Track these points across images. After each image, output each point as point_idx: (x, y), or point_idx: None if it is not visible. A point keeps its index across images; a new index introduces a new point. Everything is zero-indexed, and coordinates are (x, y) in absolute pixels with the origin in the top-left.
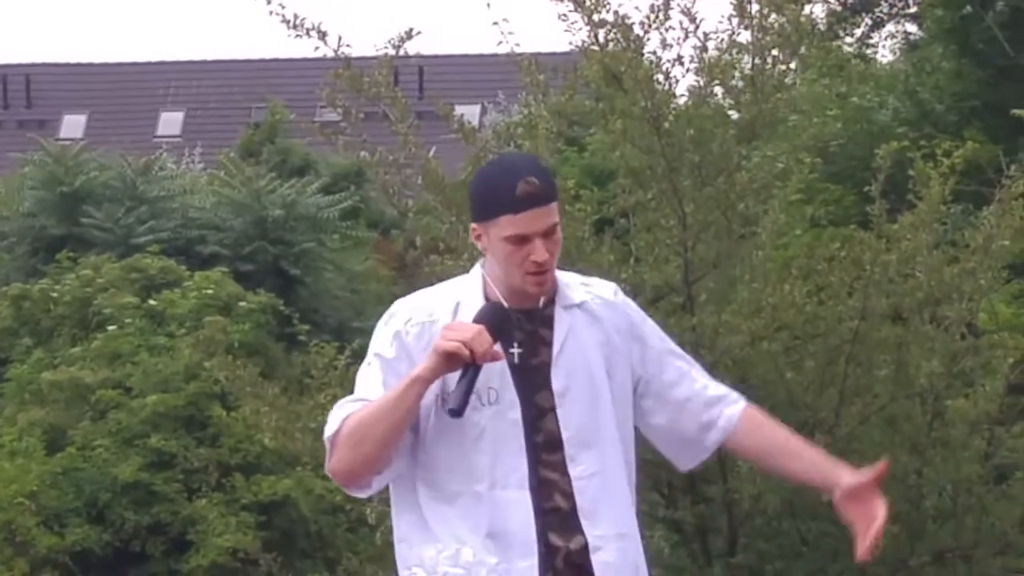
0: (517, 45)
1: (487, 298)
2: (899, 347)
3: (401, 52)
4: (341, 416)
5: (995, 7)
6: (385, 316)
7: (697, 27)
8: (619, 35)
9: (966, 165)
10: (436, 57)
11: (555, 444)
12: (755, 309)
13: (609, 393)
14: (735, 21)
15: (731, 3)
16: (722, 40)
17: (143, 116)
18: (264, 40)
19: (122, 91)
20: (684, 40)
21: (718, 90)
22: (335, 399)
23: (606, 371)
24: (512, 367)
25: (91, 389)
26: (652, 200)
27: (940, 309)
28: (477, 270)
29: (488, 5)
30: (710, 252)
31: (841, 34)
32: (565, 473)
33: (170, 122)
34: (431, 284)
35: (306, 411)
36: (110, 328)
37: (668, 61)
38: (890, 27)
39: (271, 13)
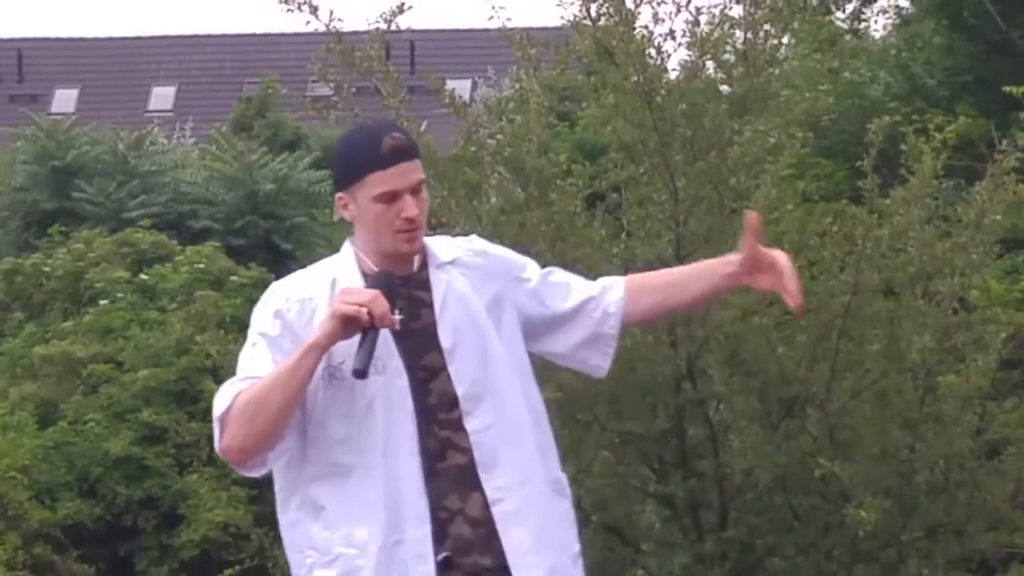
0: (508, 20)
1: (362, 272)
2: (891, 322)
3: (392, 27)
4: (231, 394)
5: None
6: (263, 297)
7: (689, 1)
8: (611, 9)
9: (958, 140)
10: (427, 31)
11: (451, 402)
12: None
13: (499, 342)
14: None
15: None
16: (714, 15)
17: (135, 91)
18: (256, 15)
19: (114, 66)
20: (676, 14)
21: (710, 64)
22: None
23: (492, 320)
24: (396, 334)
25: (83, 363)
26: (644, 175)
27: (932, 284)
28: (347, 247)
29: None
30: (702, 227)
31: (833, 9)
32: (461, 429)
33: (162, 97)
34: None
35: None
36: (102, 302)
37: (660, 35)
38: (882, 2)
39: None
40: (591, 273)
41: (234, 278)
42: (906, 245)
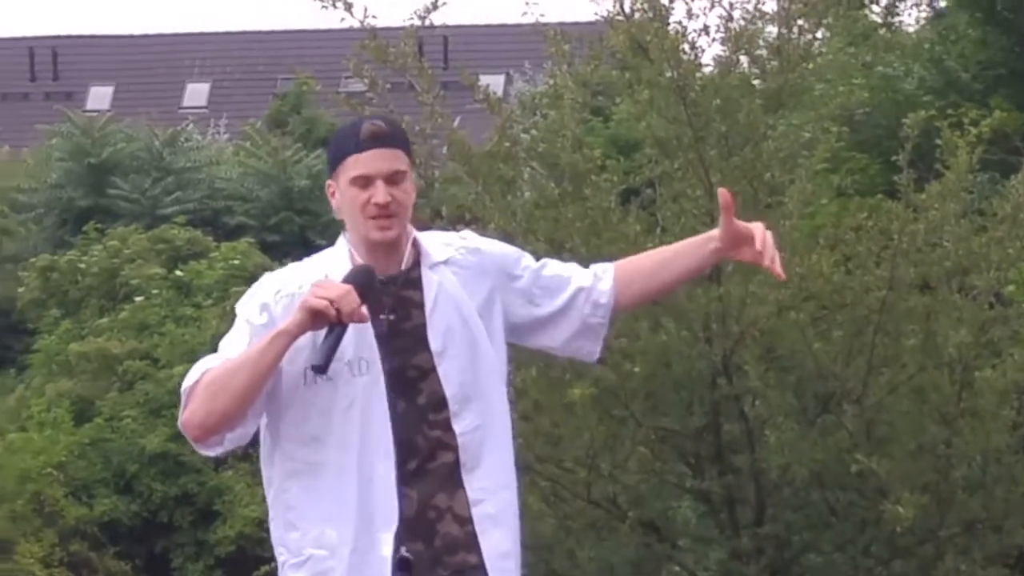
0: (542, 15)
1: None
2: (927, 317)
3: (426, 23)
4: (200, 370)
5: None
6: (252, 287)
7: None
8: (645, 5)
9: (993, 134)
10: (460, 27)
11: (440, 403)
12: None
13: (488, 343)
14: None
15: None
16: (748, 10)
17: (169, 87)
18: (290, 11)
19: (148, 62)
20: (710, 9)
21: (744, 60)
22: None
23: (482, 320)
24: (385, 334)
25: (118, 360)
26: (678, 170)
27: (968, 279)
28: (340, 240)
29: None
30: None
31: (867, 3)
32: (450, 429)
33: (196, 93)
34: None
35: None
36: (137, 299)
37: (694, 31)
38: None
39: None
40: None
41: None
42: (942, 240)
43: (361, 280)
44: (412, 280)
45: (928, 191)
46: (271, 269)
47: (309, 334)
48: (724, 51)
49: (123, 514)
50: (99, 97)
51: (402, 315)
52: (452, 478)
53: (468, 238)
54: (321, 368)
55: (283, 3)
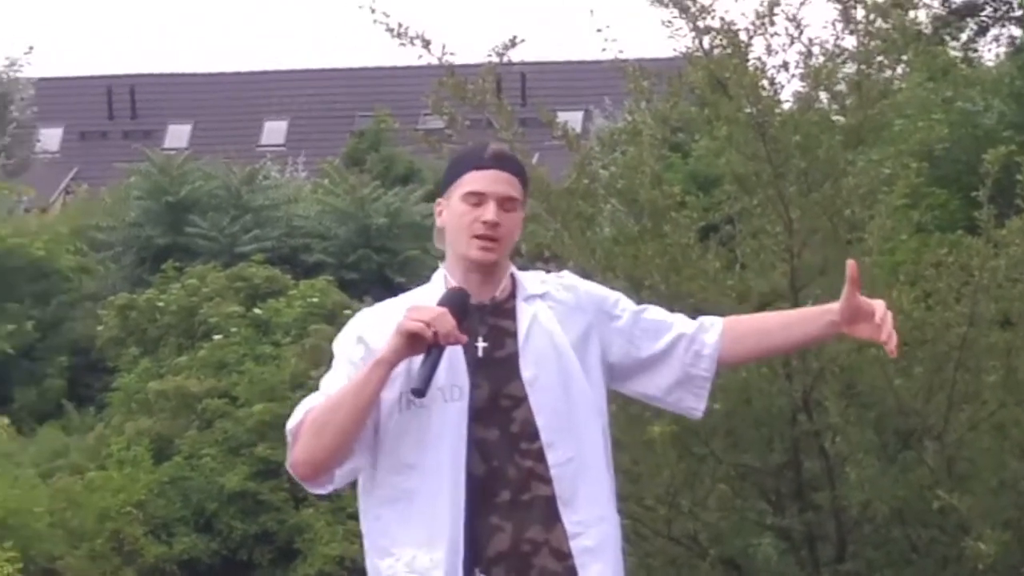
0: (620, 51)
1: None
2: (1008, 353)
3: (504, 59)
4: (304, 410)
5: None
6: (349, 323)
7: (802, 32)
8: (724, 41)
9: None
10: (539, 64)
11: (532, 433)
12: None
13: (582, 376)
14: (840, 26)
15: (836, 9)
16: (827, 46)
17: (247, 125)
18: (368, 48)
19: (226, 100)
20: (789, 46)
21: (823, 96)
22: None
23: (576, 355)
24: (478, 361)
25: (197, 398)
26: (758, 206)
27: None
28: (437, 274)
29: (591, 12)
30: (817, 258)
31: (946, 38)
32: (543, 460)
33: (274, 131)
34: None
35: None
36: (216, 337)
37: (773, 67)
38: (994, 31)
39: (375, 22)
40: (705, 306)
41: (348, 312)
42: (1023, 276)
43: (456, 302)
44: (506, 310)
45: (1009, 227)
46: (349, 307)
47: (404, 361)
48: (803, 87)
49: (203, 552)
50: (177, 135)
51: (495, 343)
52: (548, 511)
53: (565, 276)
54: (420, 391)
55: (361, 40)
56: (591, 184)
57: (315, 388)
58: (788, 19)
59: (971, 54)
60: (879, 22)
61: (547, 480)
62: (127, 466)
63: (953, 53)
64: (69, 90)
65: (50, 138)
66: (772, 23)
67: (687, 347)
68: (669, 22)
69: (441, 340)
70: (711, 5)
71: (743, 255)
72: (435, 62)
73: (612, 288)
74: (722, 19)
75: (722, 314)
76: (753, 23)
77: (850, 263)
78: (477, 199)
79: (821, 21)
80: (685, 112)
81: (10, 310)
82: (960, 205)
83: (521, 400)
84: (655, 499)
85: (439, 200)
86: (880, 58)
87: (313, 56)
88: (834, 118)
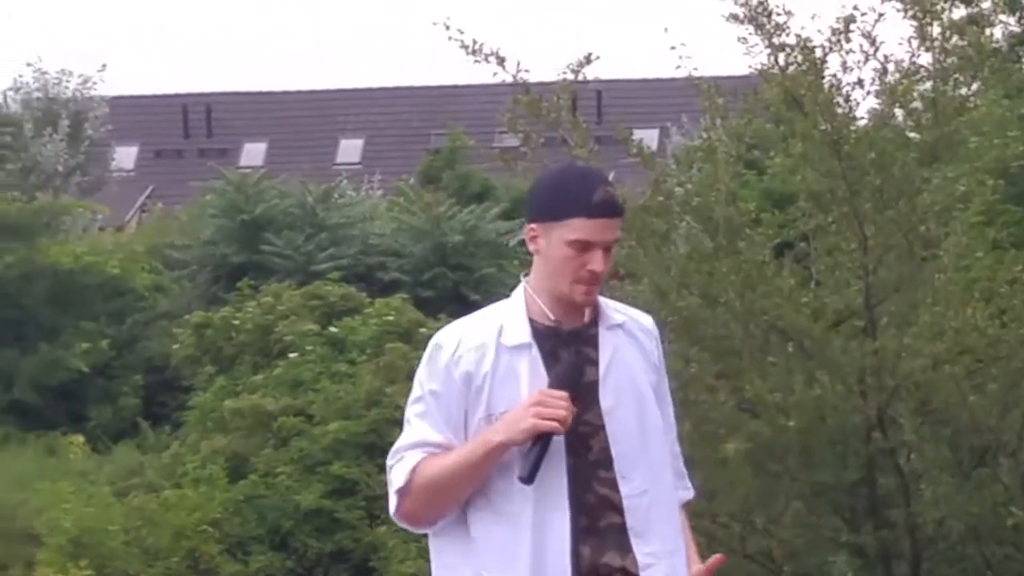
0: (695, 69)
1: (530, 318)
2: None
3: (579, 77)
4: (408, 468)
5: None
6: (430, 349)
7: (877, 50)
8: (800, 58)
9: None
10: (614, 81)
11: (608, 462)
12: (937, 332)
13: (657, 412)
14: (916, 44)
15: (912, 26)
16: (903, 63)
17: (323, 143)
18: (442, 67)
19: (302, 119)
20: (864, 63)
21: (899, 113)
22: None
23: (651, 388)
24: (560, 387)
25: (273, 416)
26: (833, 223)
27: None
28: (519, 291)
29: (666, 29)
30: (891, 275)
31: (1022, 56)
32: (617, 490)
33: (349, 149)
34: None
35: None
36: (291, 355)
37: (848, 84)
38: None
39: (450, 39)
40: (781, 323)
41: (423, 330)
42: None
43: (572, 384)
44: (589, 337)
45: None
46: (425, 325)
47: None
48: (879, 104)
49: (278, 570)
50: (253, 153)
51: (578, 371)
52: (622, 540)
53: (639, 315)
54: (527, 480)
55: (436, 59)
56: (666, 201)
57: (390, 405)
58: (863, 36)
59: None
60: (955, 39)
61: (620, 510)
62: (203, 484)
63: None
64: (145, 108)
65: (126, 156)
66: (848, 40)
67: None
68: (744, 39)
69: (563, 431)
70: (787, 22)
71: (818, 272)
72: (510, 80)
73: (686, 306)
74: (798, 36)
75: (797, 331)
76: (829, 40)
77: (718, 559)
78: (584, 247)
79: (896, 38)
80: (760, 129)
81: (85, 328)
82: None
83: (599, 428)
84: (729, 516)
85: (533, 226)
86: (956, 75)
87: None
88: (909, 135)
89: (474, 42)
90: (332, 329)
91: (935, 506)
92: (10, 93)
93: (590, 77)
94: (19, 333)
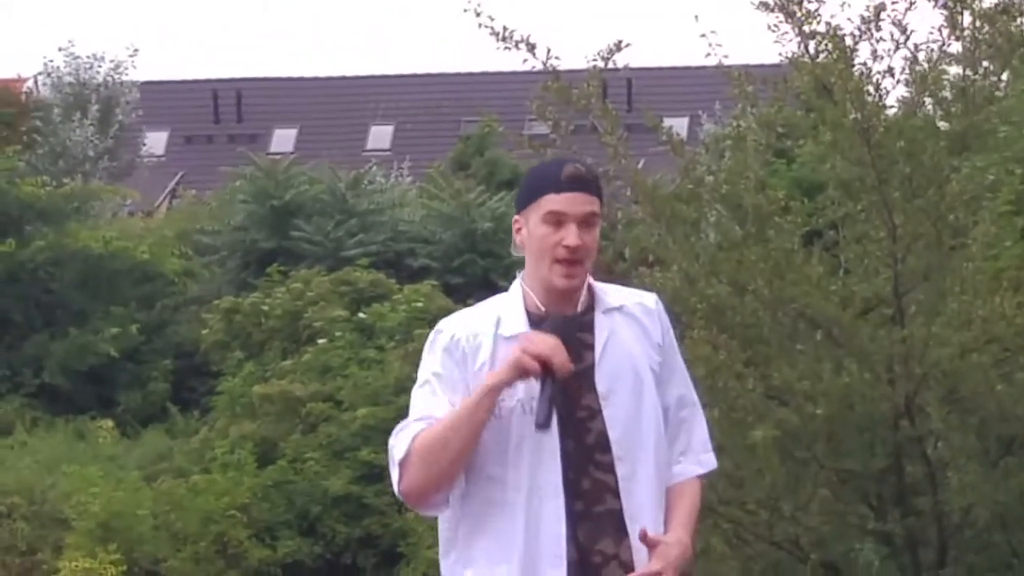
0: (725, 57)
1: (526, 311)
2: None
3: (610, 65)
4: (408, 438)
5: None
6: (431, 335)
7: (907, 38)
8: (830, 46)
9: None
10: (644, 69)
11: (605, 445)
12: (965, 321)
13: (654, 393)
14: (946, 32)
15: (942, 14)
16: (933, 51)
17: (353, 130)
18: (472, 53)
19: (332, 105)
20: (895, 51)
21: (928, 101)
22: None
23: (650, 369)
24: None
25: (302, 402)
26: (862, 212)
27: None
28: (516, 284)
29: (696, 17)
30: (920, 264)
31: None
32: (614, 473)
33: (380, 136)
34: None
35: None
36: (320, 341)
37: (879, 72)
38: None
39: (480, 26)
40: (809, 311)
41: None
42: None
43: (564, 331)
44: (585, 323)
45: None
46: (455, 311)
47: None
48: (909, 93)
49: (306, 556)
50: (283, 139)
51: (574, 356)
52: (618, 525)
53: (645, 297)
54: (543, 425)
55: (466, 45)
56: (696, 189)
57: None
58: (894, 24)
59: None
60: (985, 28)
61: (617, 493)
62: (231, 470)
63: None
64: (175, 94)
65: (156, 141)
66: (878, 28)
67: (682, 448)
68: (775, 27)
69: (557, 374)
70: (817, 10)
71: (847, 260)
72: (540, 67)
73: (715, 294)
74: (828, 24)
75: (826, 319)
76: (859, 28)
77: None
78: (558, 221)
79: (927, 27)
80: (790, 117)
81: (115, 313)
82: None
83: (597, 412)
84: (757, 503)
85: (517, 217)
86: (986, 64)
87: (419, 61)
88: (939, 124)
89: (504, 29)
90: (361, 315)
91: (962, 494)
92: (41, 78)
93: (620, 65)
94: (49, 318)
